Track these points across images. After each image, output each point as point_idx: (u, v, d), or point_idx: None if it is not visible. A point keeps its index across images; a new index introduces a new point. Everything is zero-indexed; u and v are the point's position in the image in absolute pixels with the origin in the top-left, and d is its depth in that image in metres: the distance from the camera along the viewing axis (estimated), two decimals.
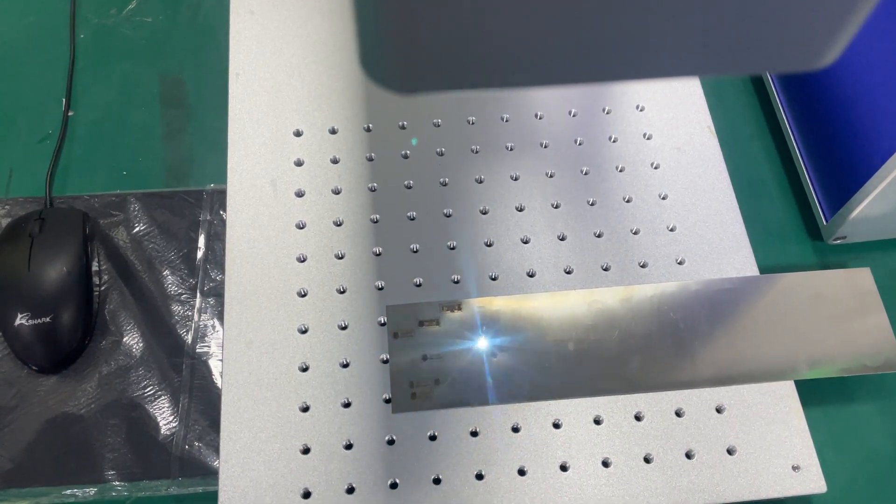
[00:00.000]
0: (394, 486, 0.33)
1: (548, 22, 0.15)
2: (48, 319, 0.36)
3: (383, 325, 0.36)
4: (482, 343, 0.35)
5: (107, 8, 0.49)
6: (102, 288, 0.39)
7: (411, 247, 0.38)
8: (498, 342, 0.35)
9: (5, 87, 0.46)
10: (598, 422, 0.35)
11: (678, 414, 0.35)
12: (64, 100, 0.45)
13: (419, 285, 0.38)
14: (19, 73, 0.46)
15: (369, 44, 0.16)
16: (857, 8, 0.15)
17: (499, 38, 0.16)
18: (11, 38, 0.47)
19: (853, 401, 0.39)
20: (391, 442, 0.34)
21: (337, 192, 0.40)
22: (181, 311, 0.39)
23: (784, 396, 0.36)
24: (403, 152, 0.41)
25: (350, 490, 0.33)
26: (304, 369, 0.35)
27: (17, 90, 0.45)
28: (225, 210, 0.40)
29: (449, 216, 0.40)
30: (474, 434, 0.34)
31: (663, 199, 0.41)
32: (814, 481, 0.34)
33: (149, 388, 0.37)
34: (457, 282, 0.38)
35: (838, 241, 0.42)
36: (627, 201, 0.41)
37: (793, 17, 0.16)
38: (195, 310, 0.39)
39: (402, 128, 0.42)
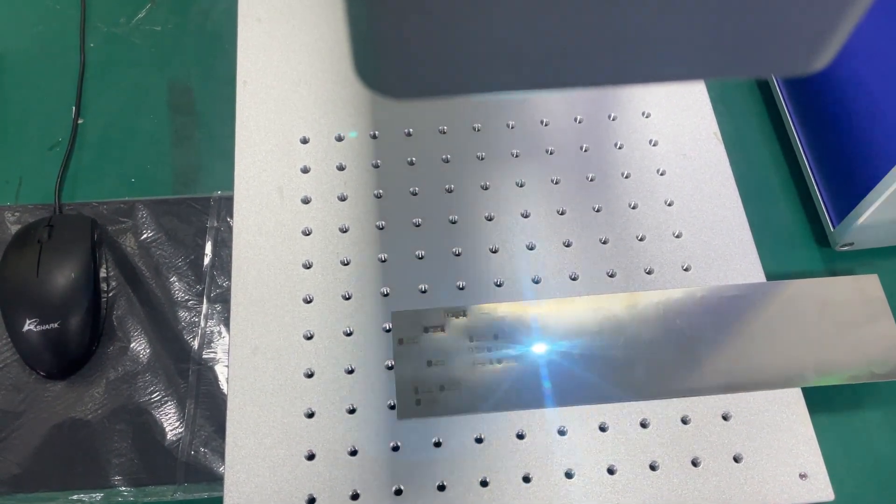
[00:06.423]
0: (398, 492, 0.33)
1: (545, 25, 0.15)
2: (56, 325, 0.37)
3: (388, 331, 0.36)
4: (487, 349, 0.35)
5: (116, 17, 0.49)
6: (110, 294, 0.40)
7: (417, 253, 0.39)
8: (503, 349, 0.35)
9: (16, 94, 0.46)
10: (603, 429, 0.35)
11: (684, 421, 0.35)
12: (74, 107, 0.45)
13: (424, 292, 0.38)
14: (30, 80, 0.47)
15: (363, 48, 0.16)
16: (850, 11, 0.15)
17: (496, 41, 0.16)
18: (22, 46, 0.48)
19: (861, 408, 0.39)
20: (396, 448, 0.34)
21: (343, 198, 0.40)
22: (188, 318, 0.39)
23: (791, 404, 0.36)
24: (409, 159, 0.41)
25: (355, 496, 0.33)
26: (310, 375, 0.35)
27: (27, 98, 0.46)
28: (232, 217, 0.40)
29: (454, 223, 0.40)
30: (479, 441, 0.34)
31: (669, 205, 0.41)
32: (821, 489, 0.34)
33: (155, 394, 0.37)
34: (462, 288, 0.38)
35: (846, 248, 0.42)
36: (633, 208, 0.41)
37: (787, 20, 0.16)
38: (202, 316, 0.39)
39: (409, 135, 0.42)
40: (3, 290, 0.38)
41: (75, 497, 0.35)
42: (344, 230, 0.39)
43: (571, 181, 0.41)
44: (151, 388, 0.37)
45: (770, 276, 0.40)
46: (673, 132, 0.43)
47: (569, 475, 0.34)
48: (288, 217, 0.39)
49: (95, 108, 0.46)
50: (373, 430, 0.34)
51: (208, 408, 0.37)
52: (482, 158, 0.42)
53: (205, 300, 0.40)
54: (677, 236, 0.40)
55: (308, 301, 0.37)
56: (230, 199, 0.41)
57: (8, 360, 0.38)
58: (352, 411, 0.35)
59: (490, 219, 0.40)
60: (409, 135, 0.42)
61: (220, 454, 0.36)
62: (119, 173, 0.44)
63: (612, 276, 0.39)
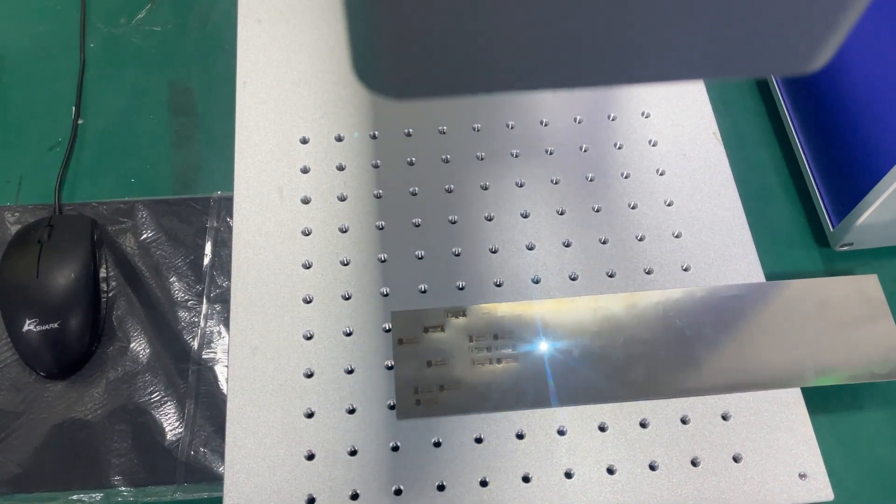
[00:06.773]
0: (398, 492, 0.33)
1: (545, 26, 0.15)
2: (56, 325, 0.37)
3: (388, 331, 0.37)
4: (487, 349, 0.35)
5: (117, 17, 0.49)
6: (110, 294, 0.40)
7: (416, 253, 0.39)
8: (502, 349, 0.35)
9: (16, 94, 0.46)
10: (602, 429, 0.35)
11: (684, 421, 0.35)
12: (74, 108, 0.45)
13: (424, 292, 0.38)
14: (30, 81, 0.47)
15: (362, 49, 0.16)
16: (848, 11, 0.15)
17: (496, 41, 0.16)
18: (23, 46, 0.48)
19: (860, 408, 0.39)
20: (395, 448, 0.34)
21: (343, 198, 0.40)
22: (188, 318, 0.39)
23: (791, 404, 0.36)
24: (409, 159, 0.41)
25: (354, 496, 0.33)
26: (309, 375, 0.35)
27: (27, 98, 0.46)
28: (231, 217, 0.40)
29: (454, 223, 0.40)
30: (479, 441, 0.34)
31: (669, 205, 0.41)
32: (820, 489, 0.34)
33: (155, 394, 0.37)
34: (462, 288, 0.38)
35: (845, 248, 0.42)
36: (633, 208, 0.41)
37: (786, 20, 0.16)
38: (201, 316, 0.39)
39: (408, 135, 0.42)
40: (3, 290, 0.38)
41: (75, 497, 0.35)
42: (344, 230, 0.39)
43: (571, 181, 0.41)
44: (151, 388, 0.37)
45: (770, 276, 0.40)
46: (673, 132, 0.43)
47: (568, 475, 0.34)
48: (288, 217, 0.39)
49: (95, 108, 0.46)
50: (373, 430, 0.34)
51: (208, 408, 0.37)
52: (482, 158, 0.42)
53: (204, 300, 0.40)
54: (677, 236, 0.40)
55: (308, 301, 0.37)
56: (230, 200, 0.41)
57: (8, 360, 0.38)
58: (352, 411, 0.35)
59: (490, 219, 0.40)
60: (409, 135, 0.42)
61: (220, 454, 0.36)
62: (119, 173, 0.44)
63: (611, 276, 0.39)
